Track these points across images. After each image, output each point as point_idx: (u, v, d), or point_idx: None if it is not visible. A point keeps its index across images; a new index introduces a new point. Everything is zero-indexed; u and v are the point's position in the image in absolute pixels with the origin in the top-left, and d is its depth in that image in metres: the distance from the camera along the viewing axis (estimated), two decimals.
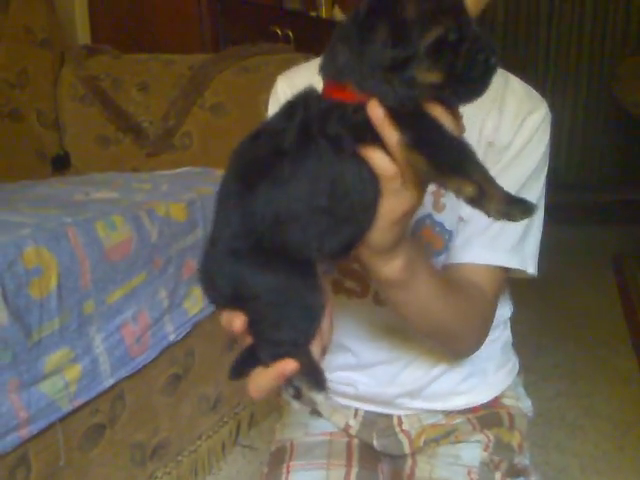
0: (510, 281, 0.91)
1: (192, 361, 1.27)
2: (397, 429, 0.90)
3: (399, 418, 0.90)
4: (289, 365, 0.55)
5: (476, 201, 0.53)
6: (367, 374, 0.87)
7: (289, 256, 0.55)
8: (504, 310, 0.93)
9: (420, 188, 0.56)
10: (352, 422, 0.91)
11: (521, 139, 0.80)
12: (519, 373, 0.96)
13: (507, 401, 0.92)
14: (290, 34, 2.29)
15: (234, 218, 0.56)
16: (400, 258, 0.61)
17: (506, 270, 0.80)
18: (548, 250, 0.85)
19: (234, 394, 1.43)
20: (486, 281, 0.78)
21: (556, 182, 0.84)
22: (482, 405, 0.89)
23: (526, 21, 4.12)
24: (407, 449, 0.90)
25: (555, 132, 0.83)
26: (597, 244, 2.86)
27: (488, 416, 0.89)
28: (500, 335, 0.92)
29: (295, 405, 0.92)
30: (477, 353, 0.86)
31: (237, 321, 0.56)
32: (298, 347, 0.57)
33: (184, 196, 1.27)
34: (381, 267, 0.62)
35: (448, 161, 0.53)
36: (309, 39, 2.41)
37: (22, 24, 1.74)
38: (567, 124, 4.07)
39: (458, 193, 0.53)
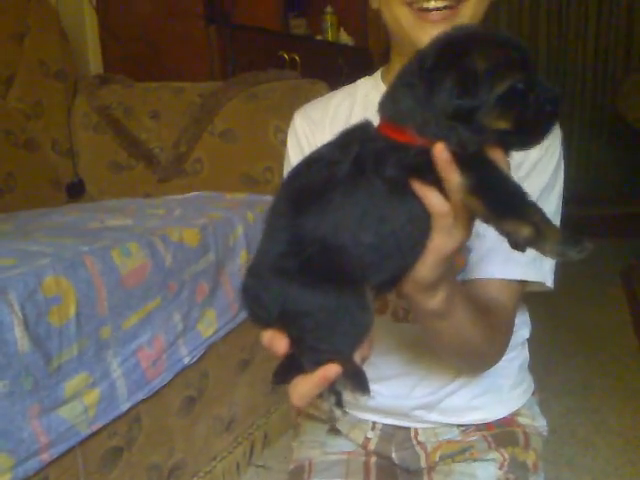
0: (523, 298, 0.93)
1: (206, 383, 1.30)
2: (414, 441, 0.92)
3: (416, 431, 0.92)
4: (333, 369, 0.56)
5: (532, 242, 0.55)
6: (384, 386, 0.89)
7: (341, 274, 0.56)
8: (523, 331, 0.95)
9: (471, 226, 0.59)
10: (371, 435, 0.93)
11: (534, 155, 0.82)
12: (534, 393, 0.98)
13: (522, 420, 0.93)
14: (297, 58, 2.34)
15: (283, 238, 0.58)
16: (443, 290, 0.64)
17: (524, 283, 0.83)
18: (556, 264, 0.86)
19: (248, 415, 1.45)
20: (506, 295, 0.81)
21: (563, 196, 0.86)
22: (497, 423, 0.91)
23: (528, 39, 4.15)
24: (423, 462, 0.91)
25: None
26: (605, 258, 2.86)
27: (504, 434, 0.90)
28: (518, 355, 0.95)
29: (329, 416, 0.93)
30: (494, 370, 0.89)
31: (281, 344, 0.57)
32: (342, 355, 0.58)
33: (197, 221, 1.30)
34: (425, 300, 0.65)
35: (506, 204, 0.55)
36: (316, 62, 2.46)
37: (37, 57, 1.80)
38: (575, 140, 4.09)
39: (514, 234, 0.55)
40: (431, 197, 0.56)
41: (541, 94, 0.56)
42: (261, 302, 0.58)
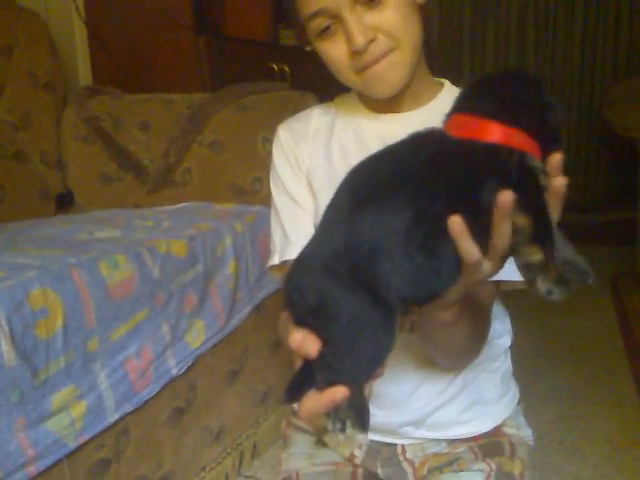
0: (508, 306, 0.94)
1: (194, 394, 1.30)
2: (401, 458, 0.92)
3: (403, 447, 0.92)
4: (340, 392, 0.56)
5: (538, 269, 0.57)
6: (372, 404, 0.90)
7: (377, 290, 0.56)
8: (505, 339, 0.96)
9: (503, 262, 0.60)
10: (357, 452, 0.94)
11: None
12: (519, 402, 0.99)
13: (508, 430, 0.94)
14: (286, 69, 2.35)
15: (339, 235, 0.57)
16: (458, 305, 0.66)
17: (498, 282, 0.83)
18: None
19: (237, 425, 1.46)
20: (483, 295, 0.81)
21: None
22: (484, 434, 0.92)
23: (517, 48, 4.20)
24: (411, 478, 0.92)
25: None
26: (593, 265, 2.87)
27: (490, 445, 0.91)
28: (501, 365, 0.95)
29: (320, 431, 0.94)
30: (478, 383, 0.90)
31: (314, 346, 0.56)
32: (355, 382, 0.58)
33: (185, 232, 1.31)
34: (440, 313, 0.66)
35: (544, 226, 0.56)
36: (305, 73, 2.46)
37: (26, 68, 1.80)
38: (562, 147, 4.13)
39: (527, 257, 0.57)
40: (463, 243, 0.56)
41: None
42: (302, 290, 0.57)
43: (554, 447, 1.55)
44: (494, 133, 0.57)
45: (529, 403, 1.71)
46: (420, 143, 0.60)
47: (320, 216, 0.89)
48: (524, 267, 0.58)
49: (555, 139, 0.59)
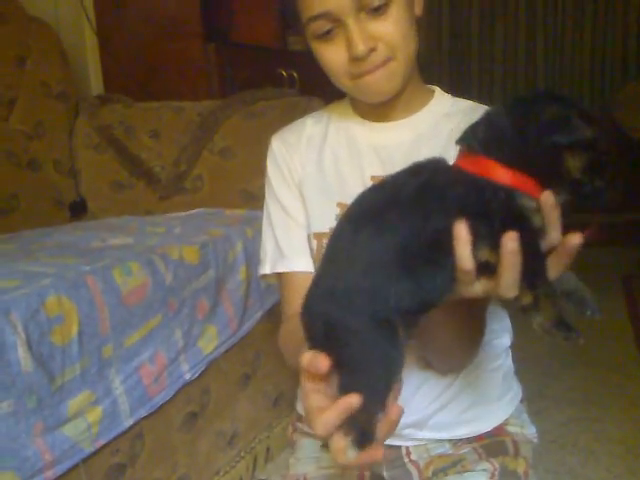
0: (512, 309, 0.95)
1: (208, 398, 1.31)
2: (406, 459, 0.93)
3: (407, 449, 0.93)
4: (355, 399, 0.57)
5: (526, 310, 0.57)
6: None
7: (375, 305, 0.57)
8: (505, 338, 0.97)
9: (489, 288, 0.60)
10: None
11: None
12: (522, 400, 0.99)
13: (511, 429, 0.95)
14: (295, 75, 2.36)
15: (340, 258, 0.60)
16: (453, 305, 0.66)
17: None
18: None
19: (250, 429, 1.47)
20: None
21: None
22: (487, 433, 0.92)
23: (525, 54, 4.20)
24: (417, 479, 0.92)
25: None
26: (606, 266, 2.87)
27: (493, 445, 0.92)
28: (502, 364, 0.96)
29: (309, 440, 0.95)
30: (479, 383, 0.91)
31: (323, 362, 0.58)
32: (374, 389, 0.59)
33: (196, 239, 1.32)
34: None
35: (528, 268, 0.56)
36: (314, 78, 2.48)
37: (38, 79, 1.83)
38: None
39: (517, 303, 0.57)
40: (460, 249, 0.57)
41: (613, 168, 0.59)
42: (312, 315, 0.60)
43: (567, 449, 1.55)
44: (485, 169, 0.57)
45: (542, 405, 1.72)
46: (417, 169, 0.62)
47: (312, 226, 0.90)
48: (520, 309, 0.59)
49: (560, 176, 0.57)
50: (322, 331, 0.59)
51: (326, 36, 0.80)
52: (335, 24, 0.78)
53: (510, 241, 0.55)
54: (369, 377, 0.58)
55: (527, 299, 0.56)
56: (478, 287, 0.60)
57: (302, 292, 0.89)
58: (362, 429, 0.59)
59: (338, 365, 0.59)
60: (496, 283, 0.58)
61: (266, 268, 0.94)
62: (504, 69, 4.22)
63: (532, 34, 4.17)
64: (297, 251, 0.92)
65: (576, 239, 0.55)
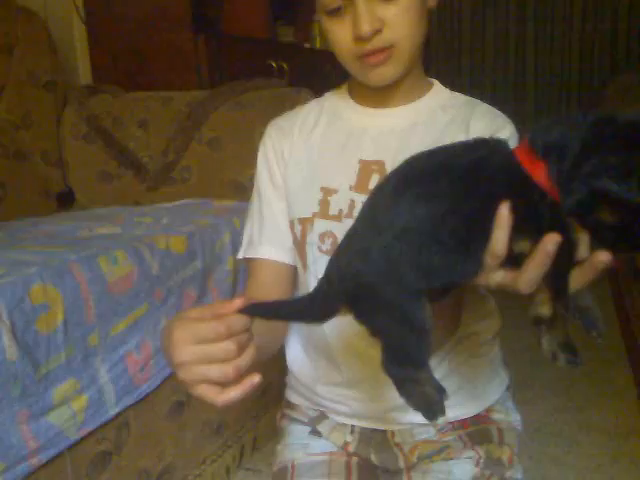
0: (500, 296, 0.96)
1: None
2: (391, 442, 0.94)
3: (392, 432, 0.93)
4: (256, 379, 0.63)
5: (537, 323, 0.57)
6: (356, 390, 0.91)
7: (409, 278, 0.56)
8: (492, 324, 0.97)
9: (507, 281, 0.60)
10: (349, 438, 0.95)
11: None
12: (508, 387, 1.00)
13: (496, 416, 0.95)
14: (285, 66, 2.36)
15: (379, 218, 0.58)
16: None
17: None
18: None
19: (237, 419, 1.47)
20: None
21: None
22: (472, 421, 0.93)
23: (514, 48, 4.21)
24: (402, 463, 0.93)
25: None
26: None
27: (478, 432, 0.93)
28: (489, 349, 0.96)
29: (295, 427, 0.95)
30: (465, 368, 0.91)
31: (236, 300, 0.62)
32: (417, 358, 0.60)
33: (183, 229, 1.32)
34: None
35: (559, 273, 0.55)
36: (303, 70, 2.48)
37: (26, 68, 1.82)
38: None
39: (536, 308, 0.57)
40: (499, 235, 0.56)
41: None
42: (340, 276, 0.59)
43: (552, 438, 1.57)
44: (539, 174, 0.56)
45: (527, 395, 1.74)
46: (476, 145, 0.60)
47: (296, 211, 0.91)
48: (534, 320, 0.58)
49: (590, 217, 0.54)
50: (353, 292, 0.58)
51: (336, 12, 0.80)
52: (346, 1, 0.78)
53: (551, 241, 0.54)
54: (402, 343, 0.59)
55: (545, 310, 0.56)
56: (498, 277, 0.59)
57: (264, 280, 0.89)
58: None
59: (372, 332, 0.59)
60: (518, 276, 0.57)
61: (240, 253, 0.97)
62: (494, 63, 4.24)
63: (522, 23, 4.18)
64: (267, 239, 0.93)
65: (605, 256, 0.55)
